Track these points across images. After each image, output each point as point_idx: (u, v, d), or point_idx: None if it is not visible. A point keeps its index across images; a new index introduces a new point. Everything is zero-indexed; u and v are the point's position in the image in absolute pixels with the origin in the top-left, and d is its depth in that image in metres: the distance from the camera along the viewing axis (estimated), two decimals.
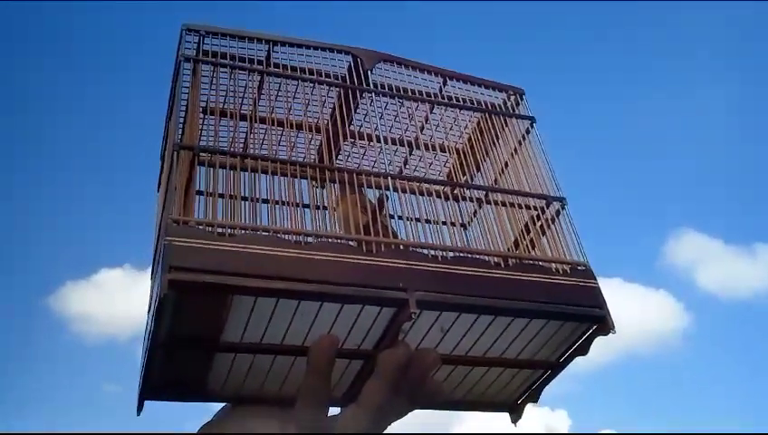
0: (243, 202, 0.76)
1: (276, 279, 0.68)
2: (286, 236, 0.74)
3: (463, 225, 1.05)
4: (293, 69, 0.96)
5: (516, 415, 0.93)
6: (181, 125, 0.89)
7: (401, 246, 0.78)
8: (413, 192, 0.88)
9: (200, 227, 0.71)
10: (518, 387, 0.91)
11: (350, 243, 0.77)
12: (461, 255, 0.81)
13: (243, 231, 0.72)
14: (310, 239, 0.74)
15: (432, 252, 0.79)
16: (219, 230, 0.71)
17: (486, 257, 0.81)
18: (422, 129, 1.04)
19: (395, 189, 0.87)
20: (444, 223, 0.92)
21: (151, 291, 0.85)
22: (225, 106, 0.93)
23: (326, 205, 0.91)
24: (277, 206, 0.78)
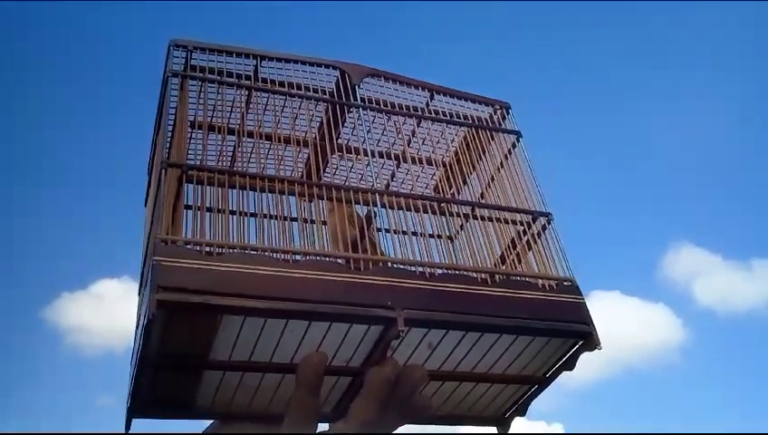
0: (231, 219, 0.76)
1: (264, 299, 0.68)
2: (274, 254, 0.74)
3: (450, 237, 1.05)
4: (281, 84, 0.96)
5: (504, 429, 0.93)
6: (169, 140, 0.89)
7: (389, 264, 0.79)
8: (400, 207, 0.88)
9: (188, 246, 0.71)
10: (506, 401, 0.92)
11: (338, 261, 0.78)
12: (448, 271, 0.81)
13: (231, 250, 0.72)
14: (298, 257, 0.75)
15: (420, 269, 0.79)
16: (207, 249, 0.71)
17: (473, 274, 0.82)
18: (409, 142, 1.04)
19: (382, 205, 0.87)
20: (431, 236, 0.93)
21: (139, 308, 0.85)
22: (213, 121, 0.94)
23: (314, 219, 0.91)
24: (265, 222, 0.78)
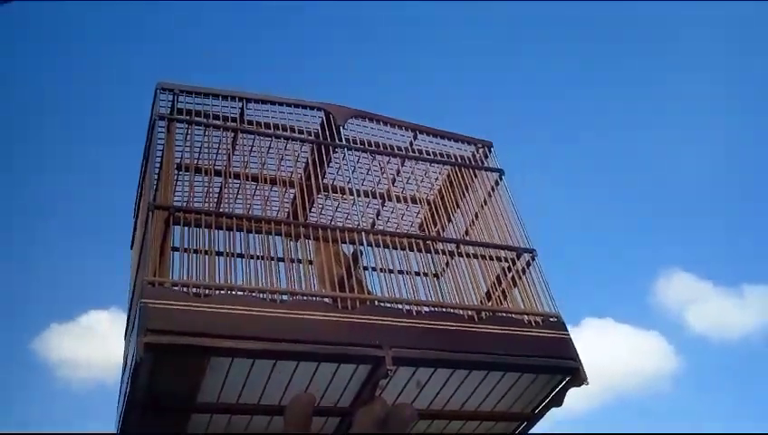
0: (218, 260, 0.77)
1: (253, 340, 0.68)
2: (261, 294, 0.74)
3: (436, 275, 1.06)
4: (267, 125, 0.98)
5: None
6: (156, 182, 0.90)
7: (376, 302, 0.79)
8: (386, 246, 0.89)
9: (176, 287, 0.71)
10: None
11: (326, 300, 0.78)
12: (435, 309, 0.82)
13: (218, 291, 0.73)
14: (285, 297, 0.75)
15: (407, 307, 0.79)
16: (195, 290, 0.71)
17: (460, 311, 0.83)
18: (394, 181, 1.05)
19: (368, 244, 0.88)
20: (417, 274, 0.93)
21: (126, 351, 0.85)
22: (200, 163, 0.94)
23: (300, 259, 0.91)
24: (252, 262, 0.78)
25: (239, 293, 0.73)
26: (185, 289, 0.70)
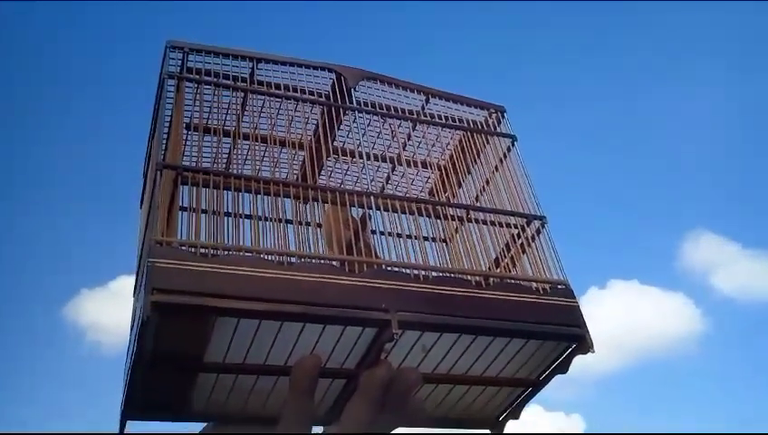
0: (226, 221, 0.77)
1: (259, 301, 0.68)
2: (269, 256, 0.74)
3: (444, 240, 1.06)
4: (277, 86, 0.97)
5: (498, 431, 0.94)
6: (165, 142, 0.89)
7: (384, 266, 0.79)
8: (395, 210, 0.88)
9: (183, 247, 0.71)
10: (499, 404, 0.92)
11: (333, 263, 0.78)
12: (443, 274, 0.81)
13: (226, 252, 0.73)
14: (293, 259, 0.75)
15: (414, 272, 0.79)
16: (202, 251, 0.71)
17: (468, 277, 0.82)
18: (404, 146, 1.04)
19: (377, 208, 0.88)
20: (426, 238, 0.93)
21: (134, 309, 0.85)
22: (209, 123, 0.94)
23: (309, 221, 0.91)
24: (260, 224, 0.78)
25: (247, 254, 0.73)
26: (192, 249, 0.70)
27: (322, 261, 0.77)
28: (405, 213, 0.89)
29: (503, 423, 0.93)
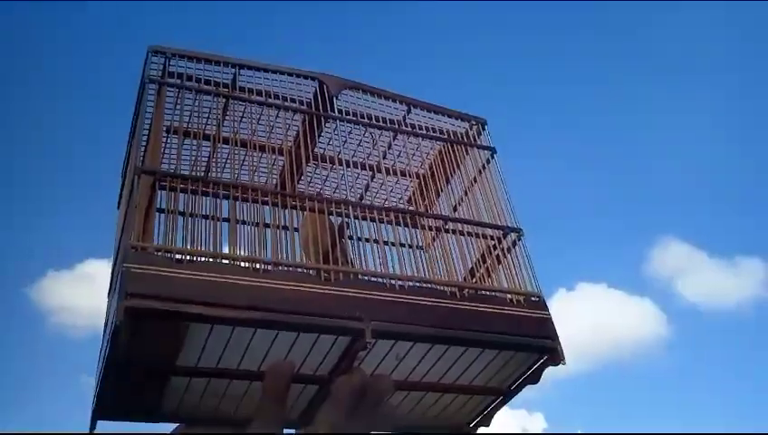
0: (203, 227, 0.77)
1: (232, 308, 0.69)
2: (245, 263, 0.75)
3: (421, 248, 1.06)
4: (259, 92, 0.97)
5: None
6: (144, 146, 0.90)
7: (359, 275, 0.80)
8: (373, 219, 0.89)
9: (158, 253, 0.71)
10: (471, 411, 0.93)
11: (308, 271, 0.78)
12: (418, 284, 0.82)
13: (201, 258, 0.73)
14: (269, 267, 0.75)
15: (390, 281, 0.80)
16: (178, 257, 0.71)
17: (443, 287, 0.83)
18: (384, 155, 1.05)
19: (355, 217, 0.88)
20: (403, 246, 0.94)
21: (108, 311, 0.85)
22: (189, 127, 0.94)
23: (287, 226, 0.91)
24: (237, 230, 0.79)
25: (223, 261, 0.73)
26: (167, 255, 0.71)
27: (298, 269, 0.77)
28: (383, 222, 0.90)
29: (474, 430, 0.94)
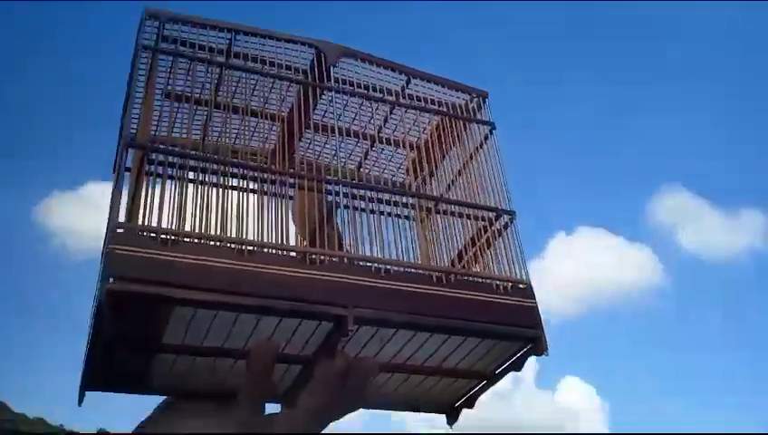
0: (190, 207, 0.76)
1: (216, 292, 0.69)
2: (231, 245, 0.74)
3: (412, 219, 1.05)
4: (255, 58, 0.95)
5: (453, 418, 0.96)
6: (137, 115, 0.88)
7: (345, 260, 0.79)
8: (362, 199, 0.88)
9: (144, 234, 0.71)
10: (455, 393, 0.94)
11: (293, 254, 0.78)
12: (404, 269, 0.82)
13: (187, 239, 0.73)
14: (252, 248, 0.75)
15: (375, 266, 0.80)
16: (163, 237, 0.71)
17: (429, 273, 0.83)
18: (380, 129, 1.03)
19: (345, 196, 0.87)
20: (394, 216, 0.92)
21: (97, 284, 0.86)
22: (182, 93, 0.92)
23: (278, 201, 0.90)
24: (225, 212, 0.78)
25: (209, 242, 0.73)
26: (153, 235, 0.70)
27: (283, 252, 0.77)
28: (373, 201, 0.89)
29: (458, 411, 0.95)
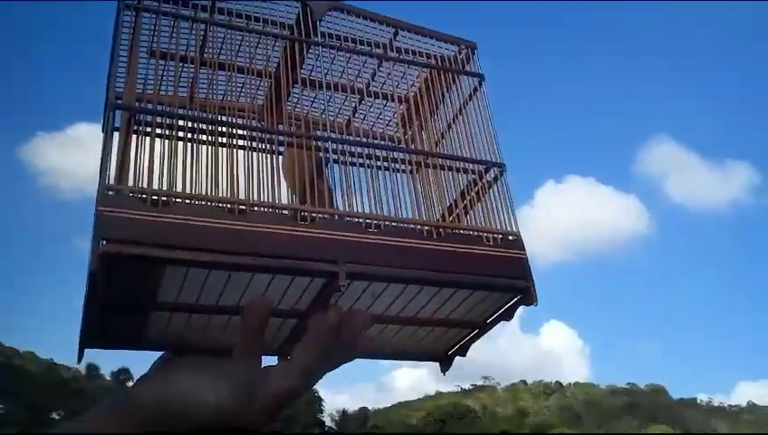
0: (180, 167, 0.77)
1: (207, 251, 0.70)
2: (221, 204, 0.75)
3: (398, 170, 1.06)
4: (240, 15, 0.94)
5: (446, 365, 0.98)
6: (122, 76, 0.88)
7: (335, 216, 0.80)
8: (352, 154, 0.89)
9: (133, 195, 0.71)
10: (447, 341, 0.96)
11: (284, 212, 0.79)
12: (394, 224, 0.83)
13: (177, 200, 0.73)
14: (243, 207, 0.76)
15: (365, 221, 0.80)
16: (153, 198, 0.72)
17: (419, 227, 0.84)
18: (368, 84, 1.03)
19: (335, 152, 0.88)
20: (380, 168, 0.93)
21: (91, 244, 0.86)
22: (168, 51, 0.92)
23: (270, 151, 0.90)
24: (214, 171, 0.78)
25: (200, 202, 0.74)
26: (143, 196, 0.71)
27: (274, 210, 0.78)
28: (362, 157, 0.89)
29: (451, 358, 0.98)
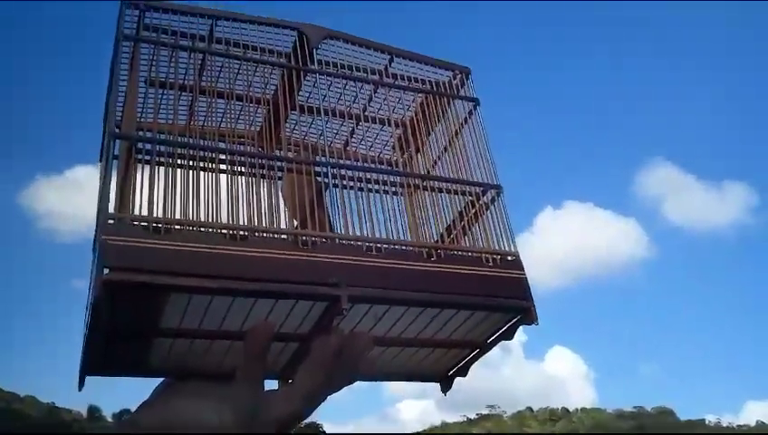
0: (180, 195, 0.77)
1: (211, 278, 0.70)
2: (223, 231, 0.76)
3: (396, 193, 1.07)
4: (237, 44, 0.96)
5: (446, 386, 0.99)
6: (121, 106, 0.89)
7: (336, 240, 0.81)
8: (351, 179, 0.90)
9: (135, 223, 0.72)
10: (448, 362, 0.96)
11: (284, 237, 0.79)
12: (394, 247, 0.83)
13: (179, 226, 0.74)
14: (245, 233, 0.76)
15: (366, 245, 0.81)
16: (155, 226, 0.72)
17: (418, 249, 0.85)
18: (365, 110, 1.04)
19: (334, 177, 0.89)
20: (379, 192, 0.94)
21: (91, 273, 0.87)
22: (166, 80, 0.93)
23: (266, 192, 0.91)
24: (214, 198, 0.79)
25: (201, 229, 0.74)
26: (144, 224, 0.72)
27: (275, 235, 0.78)
28: (362, 181, 0.90)
29: (451, 379, 0.98)
